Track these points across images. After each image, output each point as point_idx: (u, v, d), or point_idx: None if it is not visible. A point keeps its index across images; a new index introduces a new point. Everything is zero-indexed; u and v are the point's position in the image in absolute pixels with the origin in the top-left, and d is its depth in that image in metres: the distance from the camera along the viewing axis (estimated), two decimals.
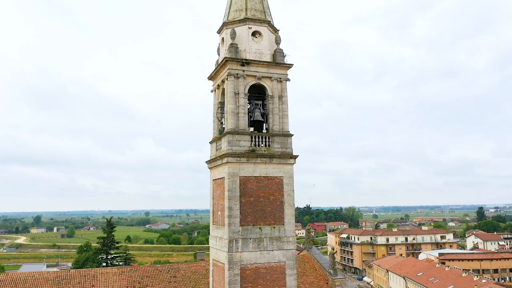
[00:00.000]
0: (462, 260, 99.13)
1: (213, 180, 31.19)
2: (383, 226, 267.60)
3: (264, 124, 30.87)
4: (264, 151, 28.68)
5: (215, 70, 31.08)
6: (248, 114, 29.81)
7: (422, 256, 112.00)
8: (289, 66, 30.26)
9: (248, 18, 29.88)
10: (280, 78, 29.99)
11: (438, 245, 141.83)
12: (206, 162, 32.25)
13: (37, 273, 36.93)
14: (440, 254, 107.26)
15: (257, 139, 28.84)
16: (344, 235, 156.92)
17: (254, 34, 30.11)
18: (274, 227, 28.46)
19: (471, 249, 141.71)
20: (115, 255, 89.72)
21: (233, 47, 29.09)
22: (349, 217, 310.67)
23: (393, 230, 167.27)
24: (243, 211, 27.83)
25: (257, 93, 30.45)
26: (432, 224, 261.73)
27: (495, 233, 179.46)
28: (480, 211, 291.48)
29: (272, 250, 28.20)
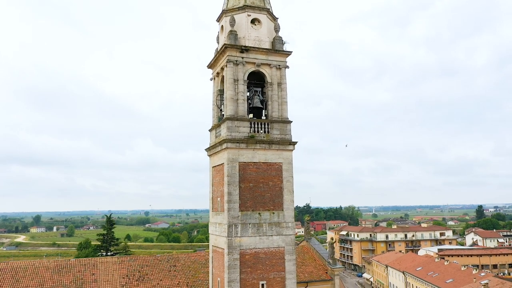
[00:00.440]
0: (461, 255, 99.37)
1: (213, 167, 31.34)
2: (383, 225, 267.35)
3: (263, 111, 31.03)
4: (263, 137, 28.84)
5: (214, 57, 31.24)
6: (247, 101, 29.98)
7: (421, 253, 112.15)
8: (288, 53, 30.41)
9: (247, 6, 30.03)
10: (279, 65, 30.15)
11: (438, 242, 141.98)
12: (205, 149, 32.39)
13: (37, 262, 37.10)
14: (439, 250, 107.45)
15: (256, 125, 29.00)
16: (344, 232, 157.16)
17: (253, 21, 30.26)
18: (273, 213, 28.62)
19: (470, 246, 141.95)
20: (115, 252, 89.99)
21: (233, 34, 29.24)
22: (348, 216, 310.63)
23: (393, 227, 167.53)
24: (242, 196, 27.98)
25: (256, 80, 30.61)
26: (432, 223, 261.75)
27: (494, 230, 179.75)
28: (480, 209, 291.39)
29: (271, 235, 28.35)
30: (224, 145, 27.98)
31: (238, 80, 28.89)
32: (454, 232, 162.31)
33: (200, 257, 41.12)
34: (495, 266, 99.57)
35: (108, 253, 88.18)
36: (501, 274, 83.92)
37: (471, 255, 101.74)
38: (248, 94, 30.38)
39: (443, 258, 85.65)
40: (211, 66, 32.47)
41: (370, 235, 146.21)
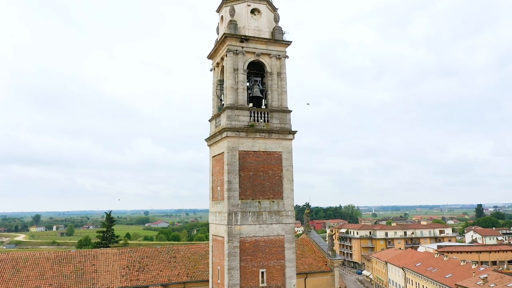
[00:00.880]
0: (461, 252, 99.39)
1: (213, 157, 31.47)
2: (382, 223, 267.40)
3: (263, 101, 31.16)
4: (263, 126, 28.98)
5: (214, 47, 31.36)
6: (247, 91, 30.11)
7: (420, 250, 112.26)
8: (288, 43, 30.54)
9: None
10: (279, 55, 30.28)
11: (437, 239, 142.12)
12: (205, 139, 32.52)
13: (38, 253, 37.19)
14: (438, 247, 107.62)
15: (256, 115, 29.13)
16: (343, 230, 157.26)
17: (253, 11, 30.40)
18: (273, 201, 28.75)
19: (470, 243, 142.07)
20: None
21: (232, 23, 29.37)
22: (348, 215, 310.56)
23: (392, 225, 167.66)
24: (242, 185, 28.11)
25: (256, 70, 30.76)
26: (432, 222, 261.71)
27: (494, 228, 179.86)
28: (479, 208, 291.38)
29: (271, 223, 28.49)
30: (224, 134, 28.10)
31: (238, 69, 29.01)
32: (453, 230, 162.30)
33: (200, 248, 41.23)
34: (494, 263, 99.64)
35: None
36: (500, 269, 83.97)
37: (471, 252, 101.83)
38: (248, 84, 30.51)
39: (442, 254, 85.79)
40: (211, 56, 32.60)
41: (370, 232, 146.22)
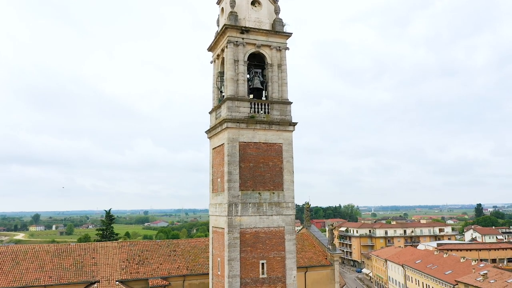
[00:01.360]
0: (461, 250, 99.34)
1: (213, 149, 31.42)
2: (382, 222, 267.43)
3: (264, 92, 31.13)
4: (264, 117, 28.93)
5: (215, 39, 31.30)
6: (248, 83, 30.06)
7: (420, 248, 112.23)
8: (288, 35, 30.50)
9: None
10: (279, 47, 30.24)
11: (437, 238, 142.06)
12: (205, 132, 32.47)
13: (38, 246, 37.16)
14: (438, 245, 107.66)
15: (256, 106, 29.09)
16: (343, 228, 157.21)
17: (253, 3, 30.36)
18: (274, 193, 28.71)
19: (469, 241, 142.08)
20: None
21: (233, 15, 29.32)
22: (347, 214, 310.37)
23: (392, 223, 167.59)
24: (242, 176, 28.06)
25: (256, 62, 30.71)
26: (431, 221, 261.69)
27: (493, 227, 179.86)
28: (479, 207, 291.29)
29: (272, 215, 28.44)
30: (225, 125, 28.05)
31: (238, 60, 28.97)
32: (453, 230, 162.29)
33: (200, 243, 41.21)
34: (494, 261, 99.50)
35: None
36: (501, 266, 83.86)
37: (470, 250, 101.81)
38: (248, 75, 30.47)
39: (442, 252, 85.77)
40: (211, 48, 32.54)
41: (369, 231, 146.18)
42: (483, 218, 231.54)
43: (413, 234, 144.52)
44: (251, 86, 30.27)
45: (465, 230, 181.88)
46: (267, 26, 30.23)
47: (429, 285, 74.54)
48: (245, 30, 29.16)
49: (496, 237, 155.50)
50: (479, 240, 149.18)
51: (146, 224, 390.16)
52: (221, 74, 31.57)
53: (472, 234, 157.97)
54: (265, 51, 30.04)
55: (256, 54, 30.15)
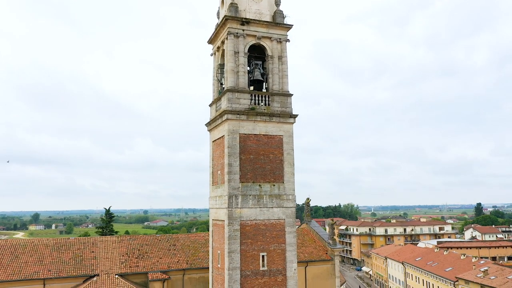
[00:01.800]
0: (461, 248, 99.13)
1: (213, 141, 31.26)
2: (382, 221, 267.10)
3: (264, 84, 30.96)
4: (264, 109, 28.78)
5: (215, 31, 31.14)
6: (248, 74, 29.90)
7: (420, 245, 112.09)
8: (289, 27, 30.34)
9: None
10: (280, 39, 30.08)
11: (437, 236, 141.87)
12: (205, 124, 32.31)
13: (37, 239, 36.97)
14: (438, 243, 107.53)
15: (257, 98, 28.93)
16: (343, 227, 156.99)
17: None
18: (274, 185, 28.55)
19: (469, 239, 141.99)
20: None
21: (233, 6, 29.15)
22: (347, 213, 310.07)
23: (392, 221, 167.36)
24: (242, 168, 27.91)
25: (257, 54, 30.55)
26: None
27: (493, 226, 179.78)
28: (479, 207, 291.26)
29: (272, 207, 28.29)
30: (225, 117, 27.89)
31: (238, 52, 28.81)
32: (453, 228, 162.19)
33: (200, 237, 41.06)
34: (494, 258, 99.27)
35: None
36: (501, 263, 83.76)
37: (470, 247, 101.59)
38: (248, 67, 30.31)
39: (442, 249, 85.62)
40: (211, 41, 32.38)
41: (369, 229, 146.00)
42: (483, 217, 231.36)
43: (413, 232, 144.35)
44: (252, 78, 30.11)
45: (465, 229, 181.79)
46: (268, 18, 30.08)
47: (429, 282, 74.40)
48: (245, 22, 29.01)
49: (496, 236, 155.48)
50: (479, 238, 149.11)
51: (146, 223, 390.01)
52: (221, 67, 31.40)
53: (472, 232, 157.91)
54: (265, 43, 29.89)
55: (257, 46, 30.00)
